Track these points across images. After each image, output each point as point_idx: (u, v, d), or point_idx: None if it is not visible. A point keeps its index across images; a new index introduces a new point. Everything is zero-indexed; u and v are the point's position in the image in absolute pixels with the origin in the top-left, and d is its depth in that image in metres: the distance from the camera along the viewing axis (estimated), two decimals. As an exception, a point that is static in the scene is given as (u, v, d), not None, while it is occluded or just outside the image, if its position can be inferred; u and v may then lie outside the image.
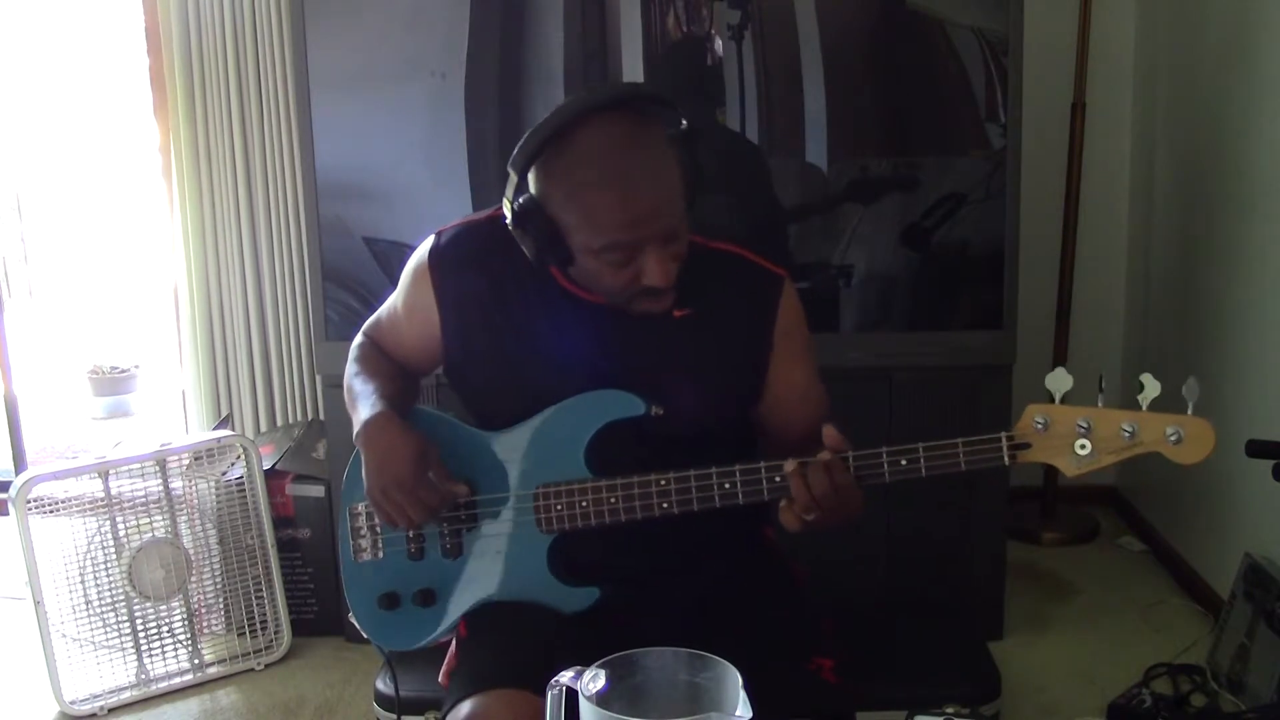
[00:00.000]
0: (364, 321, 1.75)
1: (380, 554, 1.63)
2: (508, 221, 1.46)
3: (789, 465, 1.38)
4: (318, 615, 2.89)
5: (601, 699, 1.05)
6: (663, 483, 1.45)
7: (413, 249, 1.64)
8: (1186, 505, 3.08)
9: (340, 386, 1.70)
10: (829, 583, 1.76)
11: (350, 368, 1.66)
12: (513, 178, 1.44)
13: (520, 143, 1.42)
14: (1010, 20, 2.46)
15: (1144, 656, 2.60)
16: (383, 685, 2.38)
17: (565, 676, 1.10)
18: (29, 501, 2.58)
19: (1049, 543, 3.35)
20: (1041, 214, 3.16)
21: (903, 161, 2.56)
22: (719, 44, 2.52)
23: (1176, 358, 3.11)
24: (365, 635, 1.65)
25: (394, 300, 1.68)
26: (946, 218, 2.55)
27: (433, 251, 1.60)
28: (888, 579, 2.71)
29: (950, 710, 1.72)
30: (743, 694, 1.05)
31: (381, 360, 1.67)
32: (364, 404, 1.56)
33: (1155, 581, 3.10)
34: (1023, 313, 2.59)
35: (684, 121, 1.45)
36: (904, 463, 1.37)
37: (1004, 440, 1.34)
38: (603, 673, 1.07)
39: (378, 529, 1.62)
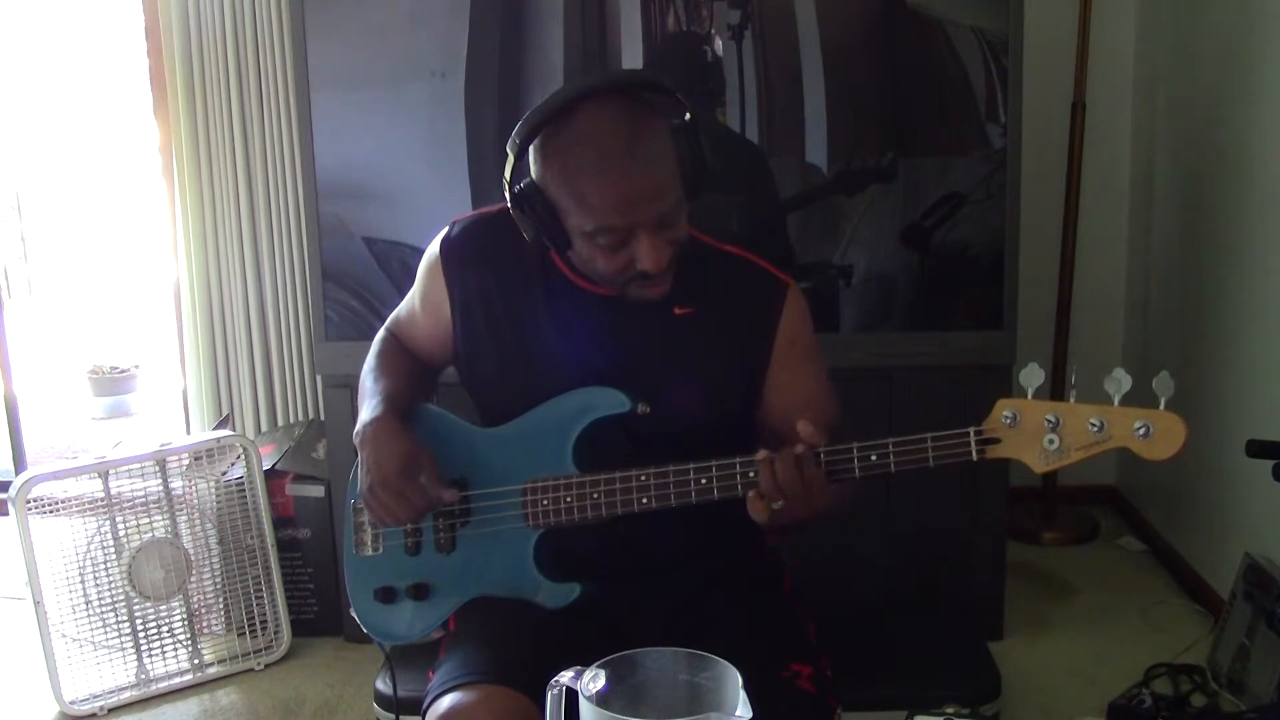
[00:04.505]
0: (383, 320, 1.77)
1: (380, 549, 1.64)
2: (507, 203, 1.47)
3: (760, 454, 1.38)
4: (317, 615, 2.89)
5: (601, 699, 1.05)
6: (642, 478, 1.45)
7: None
8: (1186, 505, 3.08)
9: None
10: (830, 582, 1.75)
11: (368, 362, 1.68)
12: (510, 158, 1.44)
13: (519, 123, 1.43)
14: (1010, 20, 2.46)
15: (1144, 656, 2.60)
16: (383, 685, 2.38)
17: (565, 676, 1.10)
18: (29, 501, 2.58)
19: (1049, 543, 3.35)
20: (1041, 214, 3.16)
21: (903, 161, 2.55)
22: (719, 44, 2.51)
23: (1176, 358, 3.11)
24: (363, 628, 1.66)
25: (412, 293, 1.70)
26: (946, 218, 2.55)
27: (444, 243, 1.62)
28: (888, 579, 2.71)
29: (950, 710, 1.71)
30: (743, 694, 1.05)
31: (398, 356, 1.69)
32: (368, 405, 1.57)
33: (1155, 581, 3.10)
34: (1023, 313, 2.59)
35: (688, 113, 1.45)
36: (874, 458, 1.36)
37: (972, 435, 1.32)
38: (603, 673, 1.07)
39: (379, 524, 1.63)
